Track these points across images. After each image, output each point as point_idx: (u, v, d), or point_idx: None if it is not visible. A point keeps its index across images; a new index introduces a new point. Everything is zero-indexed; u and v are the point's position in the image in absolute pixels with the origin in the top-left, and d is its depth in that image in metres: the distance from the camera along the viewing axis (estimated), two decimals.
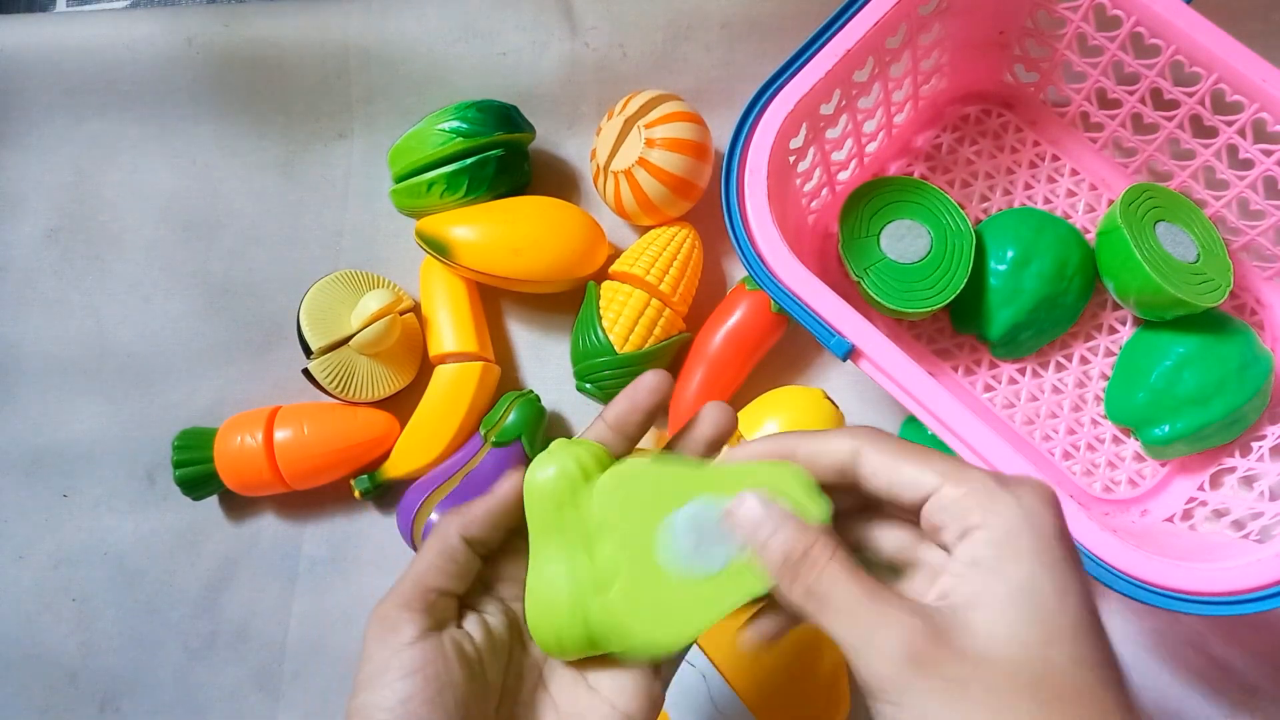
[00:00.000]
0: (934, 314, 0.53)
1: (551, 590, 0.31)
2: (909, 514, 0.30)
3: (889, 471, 0.29)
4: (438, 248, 0.55)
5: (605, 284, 0.55)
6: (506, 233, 0.54)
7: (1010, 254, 0.52)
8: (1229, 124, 0.48)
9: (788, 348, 0.56)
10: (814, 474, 0.31)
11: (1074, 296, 0.53)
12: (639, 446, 0.52)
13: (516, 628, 0.34)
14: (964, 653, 0.25)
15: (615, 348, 0.53)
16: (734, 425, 0.34)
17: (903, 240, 0.52)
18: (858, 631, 0.26)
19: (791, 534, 0.28)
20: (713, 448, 0.34)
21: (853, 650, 0.26)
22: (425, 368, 0.57)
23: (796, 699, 0.52)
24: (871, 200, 0.53)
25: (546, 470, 0.32)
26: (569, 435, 0.56)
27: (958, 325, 0.56)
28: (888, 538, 0.31)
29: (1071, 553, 0.27)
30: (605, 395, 0.54)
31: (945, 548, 0.28)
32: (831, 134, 0.51)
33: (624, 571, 0.31)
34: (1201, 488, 0.52)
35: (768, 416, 0.52)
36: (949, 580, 0.27)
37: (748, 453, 0.32)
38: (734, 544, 0.30)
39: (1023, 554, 0.26)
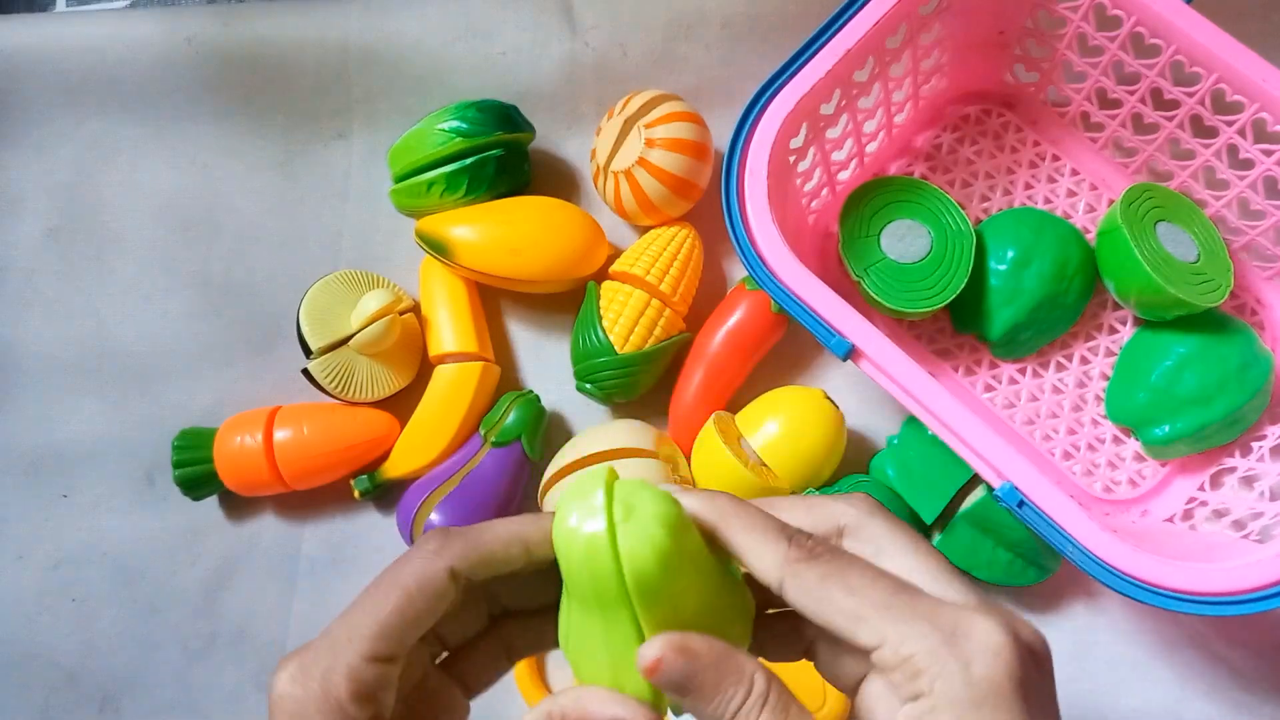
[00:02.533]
0: (934, 314, 0.53)
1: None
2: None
3: (818, 615, 0.27)
4: (437, 248, 0.55)
5: (605, 284, 0.55)
6: (506, 233, 0.54)
7: (1010, 254, 0.52)
8: (1229, 124, 0.48)
9: (788, 348, 0.56)
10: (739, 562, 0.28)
11: (1074, 296, 0.53)
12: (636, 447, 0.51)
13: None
14: None
15: (615, 348, 0.52)
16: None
17: (903, 240, 0.52)
18: None
19: (720, 695, 0.26)
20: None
21: None
22: (425, 368, 0.57)
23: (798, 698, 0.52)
24: (872, 200, 0.53)
25: (594, 523, 0.26)
26: (569, 435, 0.56)
27: (958, 325, 0.56)
28: (830, 661, 0.29)
29: (1029, 701, 0.25)
30: (605, 395, 0.54)
31: (892, 705, 0.26)
32: (831, 134, 0.51)
33: None
34: (1202, 488, 0.52)
35: (768, 417, 0.52)
36: None
37: (685, 503, 0.28)
38: None
39: (987, 710, 0.25)
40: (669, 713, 0.30)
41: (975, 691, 0.25)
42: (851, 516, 0.29)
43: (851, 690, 0.29)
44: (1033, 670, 0.26)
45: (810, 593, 0.27)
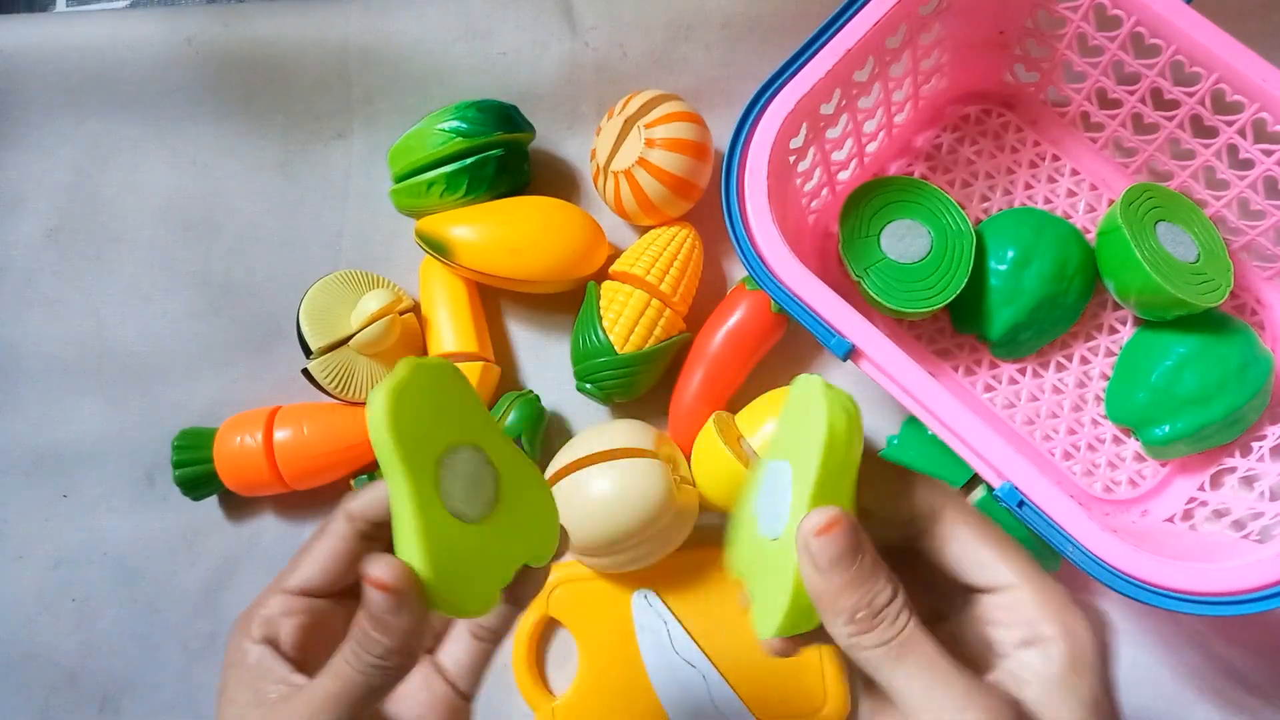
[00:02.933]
0: (934, 314, 0.53)
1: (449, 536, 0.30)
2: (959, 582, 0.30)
3: (966, 550, 0.29)
4: (437, 248, 0.55)
5: (605, 284, 0.55)
6: (506, 233, 0.54)
7: (1010, 254, 0.52)
8: (1229, 124, 0.48)
9: (788, 348, 0.56)
10: (882, 512, 0.30)
11: (1074, 296, 0.53)
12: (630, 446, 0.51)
13: None
14: None
15: (615, 348, 0.52)
16: None
17: (903, 240, 0.52)
18: (942, 712, 0.26)
19: (874, 584, 0.27)
20: None
21: None
22: None
23: (796, 699, 0.52)
24: (871, 200, 0.53)
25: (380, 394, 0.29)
26: (569, 435, 0.56)
27: (958, 325, 0.56)
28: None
29: (1107, 681, 0.29)
30: (605, 395, 0.54)
31: (997, 642, 0.29)
32: (831, 134, 0.51)
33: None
34: (1202, 488, 0.52)
35: (768, 417, 0.52)
36: (1015, 682, 0.28)
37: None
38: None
39: (1092, 676, 0.28)
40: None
41: (1100, 651, 0.28)
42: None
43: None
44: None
45: (965, 525, 0.29)
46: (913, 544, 0.31)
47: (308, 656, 0.32)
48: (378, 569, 0.27)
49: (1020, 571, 0.28)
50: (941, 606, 0.31)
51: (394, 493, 0.29)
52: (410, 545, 0.29)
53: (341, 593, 0.33)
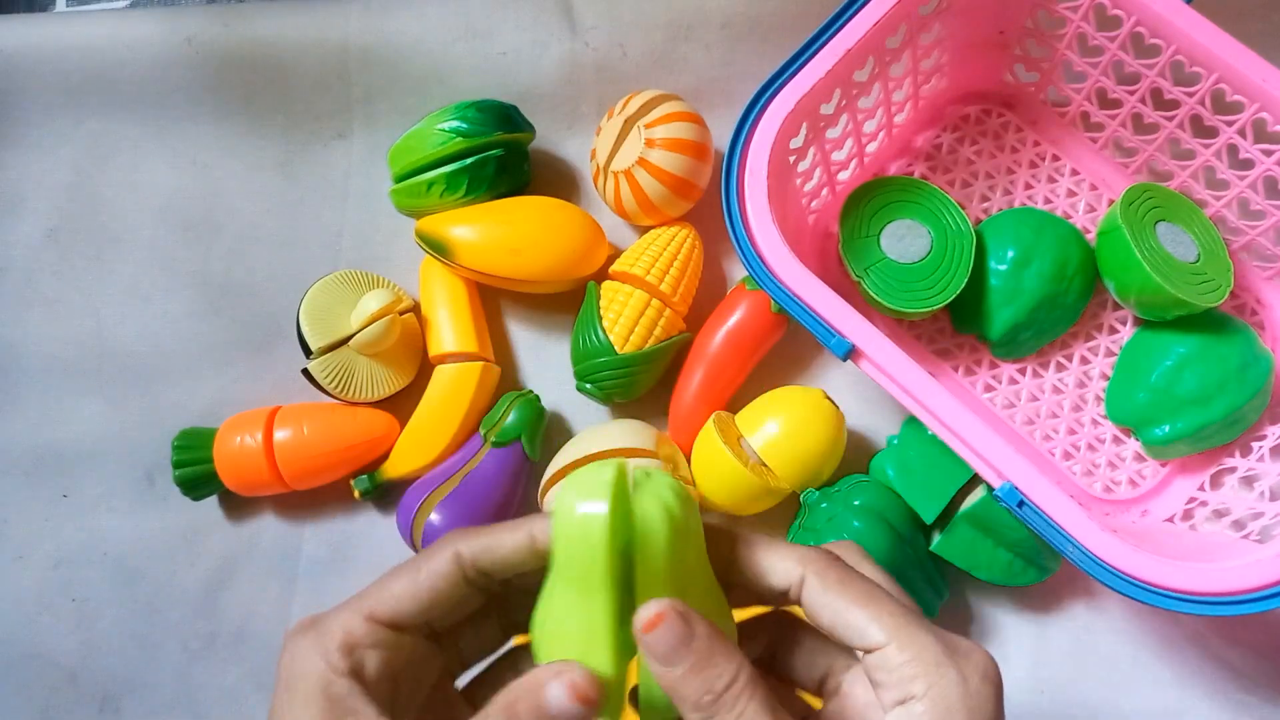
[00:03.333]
0: (934, 314, 0.53)
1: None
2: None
3: (837, 614, 0.29)
4: (437, 248, 0.55)
5: (605, 284, 0.55)
6: (506, 233, 0.54)
7: (1010, 254, 0.52)
8: (1229, 124, 0.48)
9: (788, 348, 0.56)
10: (753, 586, 0.30)
11: (1074, 296, 0.53)
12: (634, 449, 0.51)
13: None
14: None
15: (615, 348, 0.52)
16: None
17: (903, 240, 0.52)
18: None
19: (711, 670, 0.27)
20: None
21: None
22: (425, 368, 0.57)
23: None
24: (872, 200, 0.53)
25: (596, 505, 0.27)
26: (569, 435, 0.56)
27: (958, 325, 0.56)
28: (808, 664, 0.31)
29: None
30: (605, 395, 0.54)
31: (876, 703, 0.28)
32: (831, 134, 0.51)
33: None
34: (1202, 488, 0.52)
35: (768, 417, 0.52)
36: None
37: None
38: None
39: None
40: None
41: (968, 704, 0.27)
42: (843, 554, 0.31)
43: (816, 689, 0.32)
44: (1001, 705, 0.28)
45: (829, 592, 0.29)
46: (794, 607, 0.31)
47: (391, 697, 0.29)
48: (578, 679, 0.26)
49: (890, 629, 0.28)
50: (836, 664, 0.31)
51: (587, 606, 0.27)
52: (605, 661, 0.27)
53: (432, 633, 0.31)
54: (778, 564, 0.30)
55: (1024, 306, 0.52)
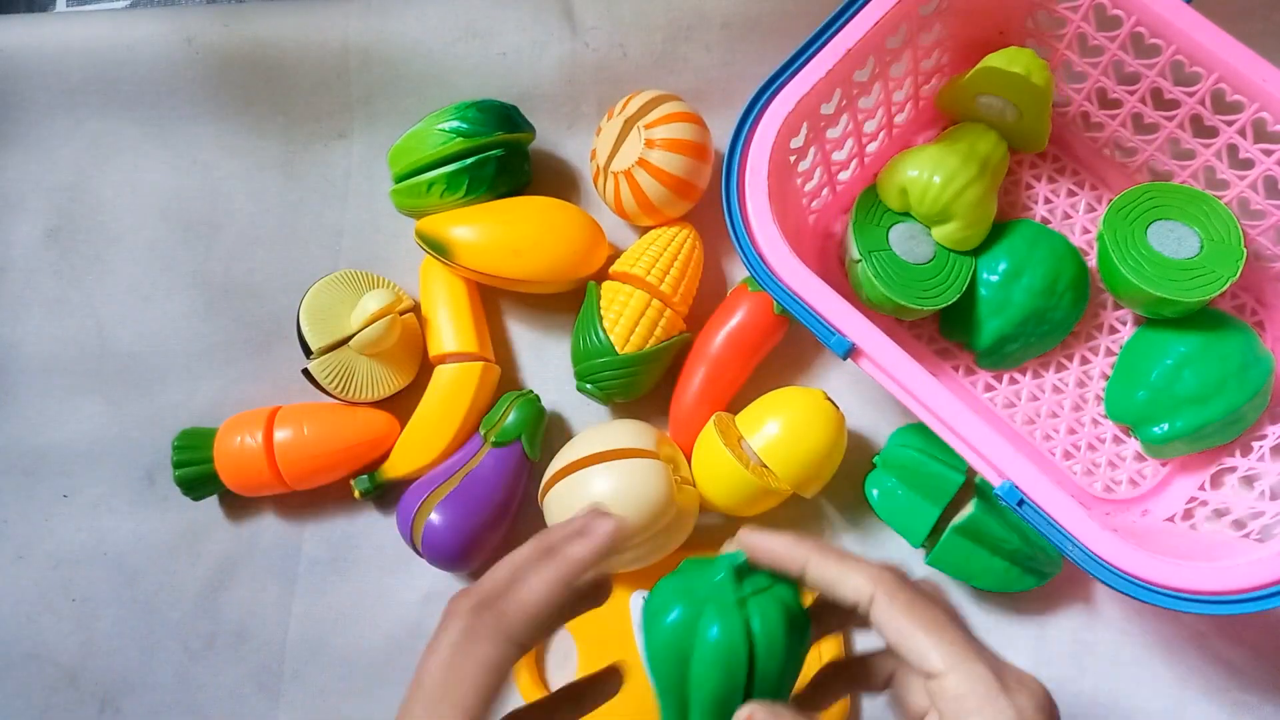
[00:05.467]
0: (930, 314, 0.53)
1: None
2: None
3: (899, 635, 0.30)
4: (438, 248, 0.55)
5: (606, 284, 0.55)
6: (506, 233, 0.54)
7: (1002, 266, 0.52)
8: (1229, 124, 0.48)
9: (788, 348, 0.56)
10: (820, 590, 0.32)
11: (1063, 313, 0.53)
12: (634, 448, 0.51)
13: None
14: None
15: (616, 348, 0.52)
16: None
17: (911, 240, 0.52)
18: None
19: None
20: None
21: None
22: (425, 368, 0.57)
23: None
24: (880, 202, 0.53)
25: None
26: (569, 435, 0.56)
27: (945, 333, 0.56)
28: (879, 666, 0.34)
29: None
30: (605, 395, 0.54)
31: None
32: (832, 134, 0.51)
33: None
34: (1202, 487, 0.52)
35: (768, 417, 0.52)
36: None
37: (762, 545, 0.33)
38: None
39: None
40: None
41: None
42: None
43: (882, 685, 0.34)
44: None
45: (897, 613, 0.30)
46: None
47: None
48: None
49: (950, 658, 0.29)
50: (900, 669, 0.34)
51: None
52: None
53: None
54: (850, 578, 0.31)
55: (1012, 319, 0.52)
